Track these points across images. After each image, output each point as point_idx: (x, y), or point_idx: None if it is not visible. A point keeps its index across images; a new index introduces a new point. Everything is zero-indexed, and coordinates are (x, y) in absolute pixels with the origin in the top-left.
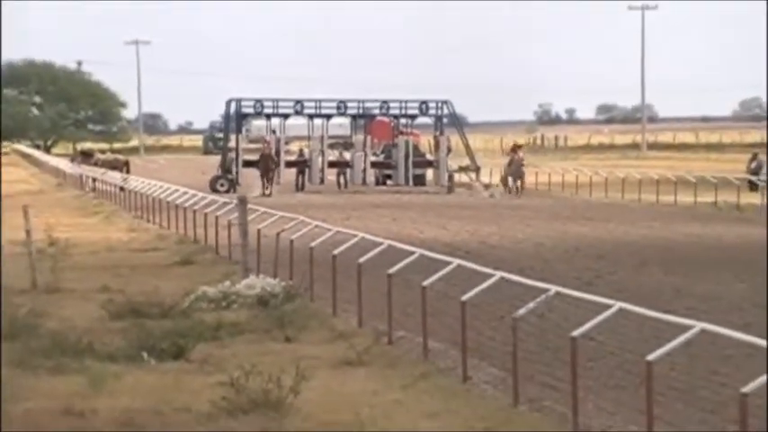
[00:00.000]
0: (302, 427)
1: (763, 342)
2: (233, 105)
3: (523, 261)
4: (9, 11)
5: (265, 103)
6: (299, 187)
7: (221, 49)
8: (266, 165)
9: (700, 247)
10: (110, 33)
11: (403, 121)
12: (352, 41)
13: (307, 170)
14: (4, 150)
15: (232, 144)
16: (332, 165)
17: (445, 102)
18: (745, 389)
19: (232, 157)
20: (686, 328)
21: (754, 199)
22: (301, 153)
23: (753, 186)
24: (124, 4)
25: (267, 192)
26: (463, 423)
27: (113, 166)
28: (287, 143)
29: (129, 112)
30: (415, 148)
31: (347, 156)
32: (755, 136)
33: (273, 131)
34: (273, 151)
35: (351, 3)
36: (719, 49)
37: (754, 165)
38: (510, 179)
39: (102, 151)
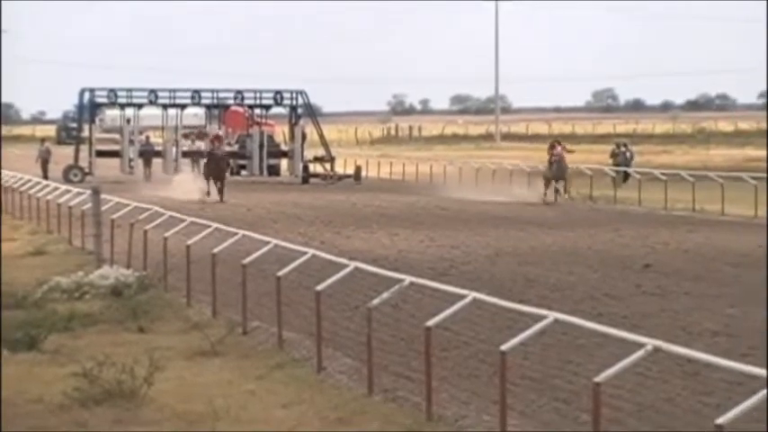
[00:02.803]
0: (156, 417)
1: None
2: (86, 95)
3: (378, 251)
4: None
5: (119, 93)
6: (147, 177)
7: (76, 38)
8: (218, 167)
9: (553, 236)
10: None
11: (257, 111)
12: (210, 31)
13: (158, 159)
14: None
15: (86, 134)
16: (186, 154)
17: (300, 92)
18: (598, 378)
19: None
20: (539, 317)
21: (626, 192)
22: (148, 142)
23: (626, 177)
24: None
25: (218, 197)
26: (317, 413)
27: None
28: (141, 133)
29: None
30: (270, 138)
31: (201, 146)
32: (607, 127)
33: (128, 121)
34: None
35: None
36: (572, 40)
37: (629, 155)
38: (552, 182)
39: None
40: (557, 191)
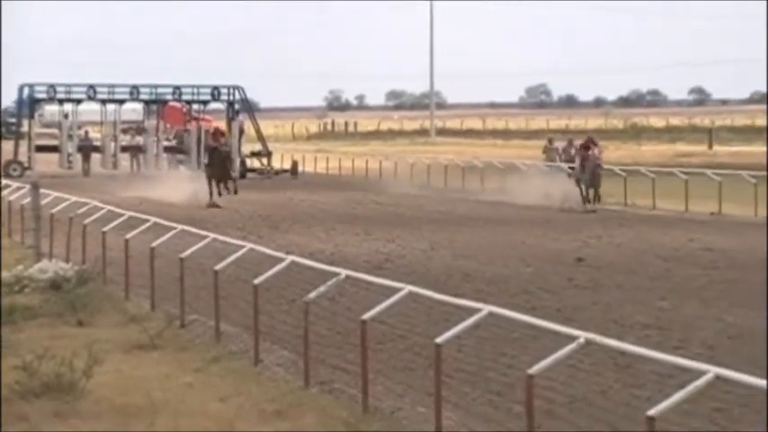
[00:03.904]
0: (95, 409)
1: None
2: (25, 90)
3: (315, 245)
4: None
5: (58, 89)
6: (86, 172)
7: (14, 34)
8: (221, 166)
9: (488, 231)
10: None
11: (195, 106)
12: (148, 27)
13: (96, 154)
14: None
15: (25, 129)
16: (125, 149)
17: (237, 87)
18: (531, 370)
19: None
20: (474, 311)
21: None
22: (87, 137)
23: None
24: None
25: (214, 200)
26: (254, 405)
27: None
28: (80, 128)
29: None
30: (208, 133)
31: (140, 141)
32: (540, 122)
33: (66, 116)
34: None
35: None
36: (506, 36)
37: (573, 152)
38: (583, 187)
39: None
40: (589, 198)
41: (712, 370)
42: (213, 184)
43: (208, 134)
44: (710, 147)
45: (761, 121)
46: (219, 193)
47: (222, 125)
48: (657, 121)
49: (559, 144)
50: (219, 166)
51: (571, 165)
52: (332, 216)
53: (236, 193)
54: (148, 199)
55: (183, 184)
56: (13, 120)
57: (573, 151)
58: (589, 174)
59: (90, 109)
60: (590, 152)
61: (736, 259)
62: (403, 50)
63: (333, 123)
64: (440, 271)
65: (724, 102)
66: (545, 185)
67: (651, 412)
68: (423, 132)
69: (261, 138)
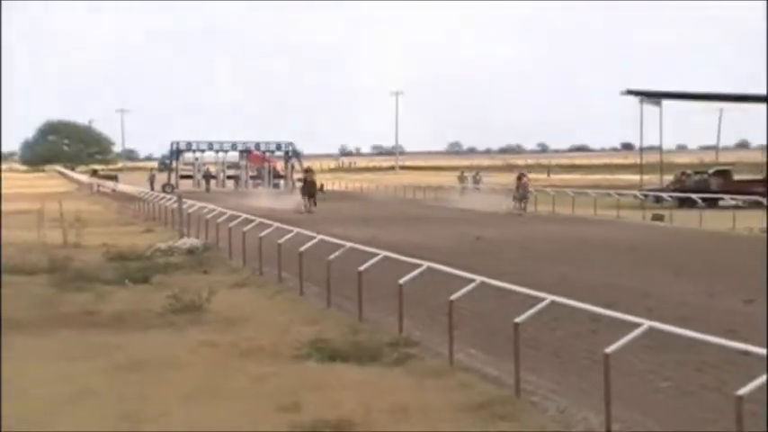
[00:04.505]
0: (213, 319)
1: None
2: (174, 145)
3: (334, 231)
4: None
5: (191, 144)
6: (207, 190)
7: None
8: (311, 188)
9: (432, 224)
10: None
11: (267, 153)
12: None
13: (213, 180)
14: (47, 172)
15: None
16: (229, 177)
17: (290, 143)
18: (452, 297)
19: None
20: (419, 265)
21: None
22: (208, 171)
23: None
24: None
25: (310, 209)
26: (299, 317)
27: (109, 177)
28: (204, 165)
29: (116, 148)
30: (274, 168)
31: (237, 173)
32: (460, 162)
33: (196, 159)
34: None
35: None
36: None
37: (478, 178)
38: (521, 201)
39: (102, 170)
40: (523, 207)
41: (549, 297)
42: (306, 198)
43: (275, 169)
44: (548, 175)
45: (577, 161)
46: (308, 204)
47: (279, 164)
48: (520, 161)
49: (468, 174)
50: (309, 188)
51: (477, 186)
52: (344, 216)
53: (315, 205)
54: (242, 205)
55: (261, 198)
56: (168, 161)
57: (478, 178)
58: (522, 192)
59: (209, 155)
60: (522, 180)
61: (581, 239)
62: (385, 120)
63: (342, 163)
64: (401, 244)
65: (555, 150)
66: (465, 199)
67: (517, 320)
68: (391, 168)
69: (303, 171)
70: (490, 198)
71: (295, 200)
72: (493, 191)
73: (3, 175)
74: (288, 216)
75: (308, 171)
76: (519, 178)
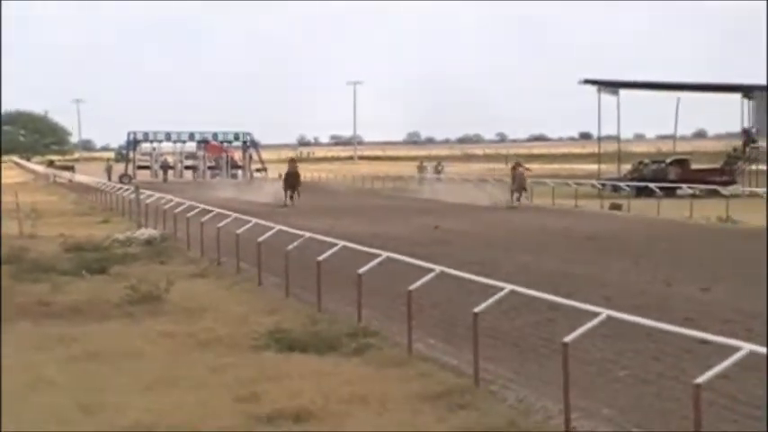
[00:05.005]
0: (171, 310)
1: None
2: (131, 135)
3: (296, 223)
4: None
5: (148, 134)
6: (165, 180)
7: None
8: (294, 180)
9: (390, 214)
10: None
11: (225, 144)
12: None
13: (170, 170)
14: (4, 162)
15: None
16: (187, 168)
17: (248, 133)
18: (411, 287)
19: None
20: (378, 255)
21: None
22: (165, 161)
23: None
24: None
25: (291, 202)
26: (258, 307)
27: (66, 168)
28: (161, 156)
29: (73, 138)
30: (232, 159)
31: (195, 163)
32: (419, 152)
33: (154, 149)
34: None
35: None
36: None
37: (440, 168)
38: (515, 193)
39: (59, 161)
40: (518, 198)
41: (507, 287)
42: (288, 191)
43: (233, 160)
44: (507, 165)
45: (536, 151)
46: (291, 198)
47: (239, 154)
48: (479, 150)
49: (428, 164)
50: (293, 180)
51: (439, 176)
52: (305, 209)
53: (299, 196)
54: (199, 196)
55: (217, 189)
56: (125, 151)
57: (439, 168)
58: (518, 183)
59: (166, 145)
60: (517, 170)
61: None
62: (343, 110)
63: (301, 153)
64: (360, 234)
65: (513, 140)
66: (428, 189)
67: (476, 310)
68: (350, 158)
69: (261, 161)
70: (461, 188)
71: (267, 191)
72: (466, 181)
73: None
74: (267, 210)
75: (291, 161)
76: (514, 168)
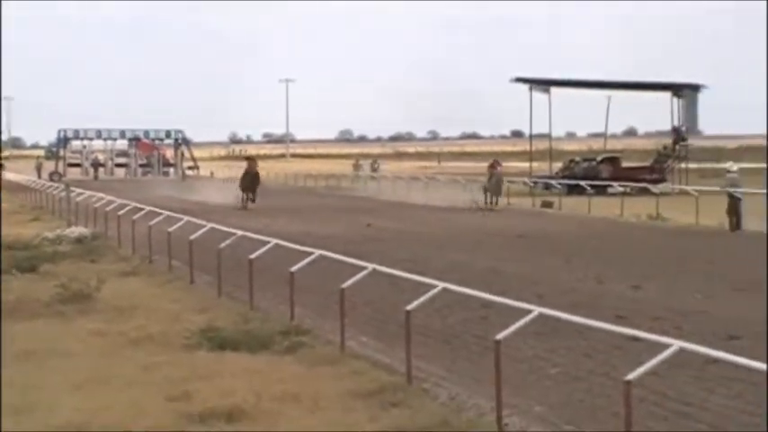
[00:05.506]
0: (102, 308)
1: None
2: (62, 133)
3: (227, 222)
4: None
5: (79, 131)
6: (95, 178)
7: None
8: (253, 180)
9: (322, 214)
10: None
11: (157, 141)
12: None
13: (101, 168)
14: None
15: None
16: (118, 165)
17: (180, 131)
18: (343, 285)
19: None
20: (310, 253)
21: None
22: (96, 158)
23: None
24: None
25: (248, 204)
26: (190, 306)
27: None
28: (92, 154)
29: (2, 136)
30: (163, 156)
31: (127, 161)
32: (351, 149)
33: (84, 147)
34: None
35: None
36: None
37: (376, 166)
38: (488, 194)
39: None
40: (492, 201)
41: (440, 285)
42: (245, 193)
43: (165, 158)
44: (439, 163)
45: (468, 148)
46: (248, 199)
47: (171, 152)
48: (411, 149)
49: (364, 162)
50: (252, 180)
51: (375, 173)
52: (238, 207)
53: (254, 201)
54: (135, 195)
55: (150, 186)
56: (55, 149)
57: (376, 166)
58: (494, 184)
59: (97, 143)
60: (494, 169)
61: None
62: (275, 109)
63: (233, 150)
64: (293, 233)
65: (445, 138)
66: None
67: (409, 307)
68: (282, 156)
69: (193, 159)
70: (401, 186)
71: (217, 192)
72: (398, 178)
73: None
74: (224, 212)
75: (250, 159)
76: (492, 166)
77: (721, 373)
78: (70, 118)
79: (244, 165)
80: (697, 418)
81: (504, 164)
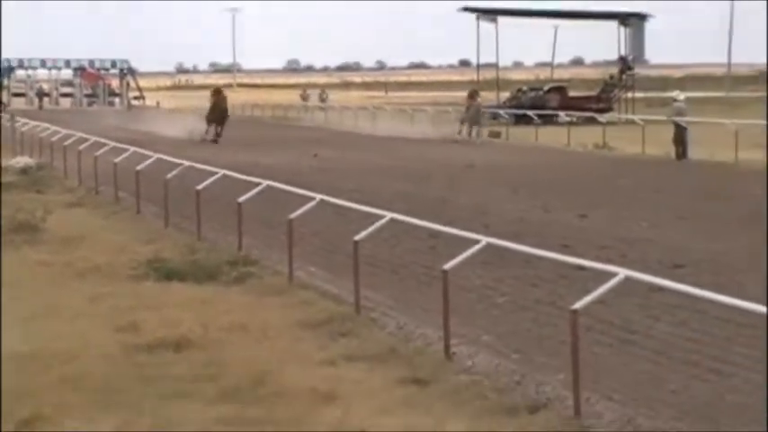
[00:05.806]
0: (49, 239)
1: None
2: (5, 62)
3: (175, 153)
4: None
5: (23, 61)
6: (40, 108)
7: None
8: (222, 114)
9: (273, 147)
10: None
11: (102, 71)
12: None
13: (46, 98)
14: None
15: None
16: (64, 95)
17: (125, 60)
18: (291, 216)
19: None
20: (258, 184)
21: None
22: (41, 88)
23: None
24: None
25: (215, 138)
26: (137, 236)
27: None
28: (37, 83)
29: None
30: (109, 86)
31: (72, 90)
32: (299, 79)
33: (29, 76)
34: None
35: None
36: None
37: (324, 96)
38: (467, 125)
39: None
40: (471, 133)
41: (388, 215)
42: (212, 126)
43: (110, 87)
44: (386, 93)
45: (414, 78)
46: (217, 132)
47: (114, 82)
48: (358, 78)
49: (311, 92)
50: (220, 114)
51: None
52: (184, 138)
53: (220, 135)
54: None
55: (96, 117)
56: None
57: (324, 96)
58: (473, 114)
59: (42, 73)
60: (473, 101)
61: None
62: (221, 37)
63: (179, 81)
64: (241, 164)
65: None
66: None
67: (356, 238)
68: (229, 86)
69: (139, 89)
70: (349, 117)
71: (164, 122)
72: (346, 108)
73: None
74: (172, 143)
75: (217, 93)
76: (471, 96)
77: (666, 301)
78: (14, 47)
79: (192, 94)
80: (642, 345)
81: (450, 93)
